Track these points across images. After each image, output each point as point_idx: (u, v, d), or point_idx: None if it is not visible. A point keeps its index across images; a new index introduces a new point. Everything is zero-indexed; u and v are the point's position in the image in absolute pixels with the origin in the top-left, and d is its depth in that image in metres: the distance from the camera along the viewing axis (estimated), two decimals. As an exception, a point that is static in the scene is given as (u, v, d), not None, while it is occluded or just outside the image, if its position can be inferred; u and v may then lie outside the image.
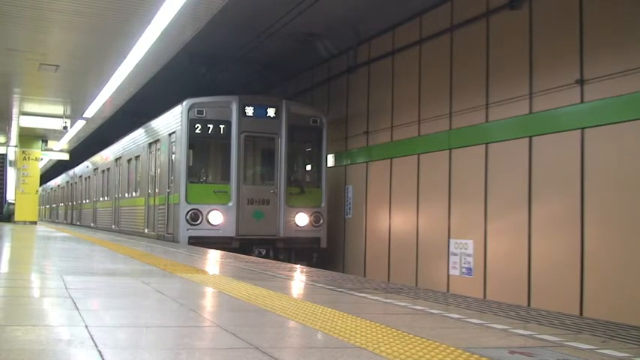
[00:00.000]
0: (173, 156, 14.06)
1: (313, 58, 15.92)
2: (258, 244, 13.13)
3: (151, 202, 15.79)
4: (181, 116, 13.33)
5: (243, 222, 13.11)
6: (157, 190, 15.35)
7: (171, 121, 14.19)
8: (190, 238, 12.88)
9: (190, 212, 12.98)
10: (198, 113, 13.19)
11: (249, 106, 13.39)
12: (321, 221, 13.76)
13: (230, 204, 13.09)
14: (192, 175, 13.44)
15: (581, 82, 8.73)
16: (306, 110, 14.24)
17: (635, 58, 8.01)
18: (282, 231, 13.34)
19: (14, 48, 12.01)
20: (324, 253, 13.94)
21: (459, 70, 11.44)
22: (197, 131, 13.25)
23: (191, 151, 13.42)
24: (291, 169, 14.08)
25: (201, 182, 13.51)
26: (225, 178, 13.39)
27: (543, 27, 9.58)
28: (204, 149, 14.13)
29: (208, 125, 13.32)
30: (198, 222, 12.98)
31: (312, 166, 14.83)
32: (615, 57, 8.30)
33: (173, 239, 13.41)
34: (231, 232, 13.01)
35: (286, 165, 13.58)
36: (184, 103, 13.27)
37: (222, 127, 13.31)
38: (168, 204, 14.11)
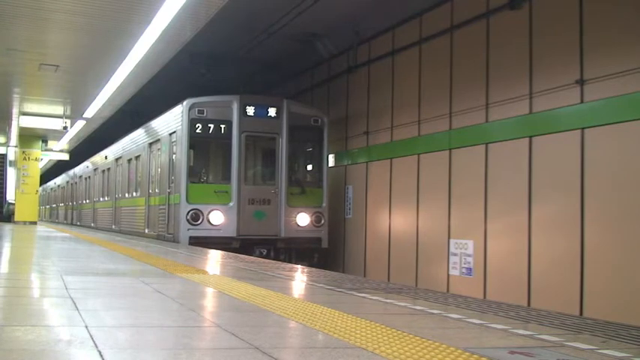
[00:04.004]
0: (173, 156, 14.05)
1: (313, 58, 15.92)
2: (258, 245, 13.11)
3: (152, 202, 15.78)
4: (182, 116, 13.32)
5: (243, 222, 13.10)
6: (157, 190, 15.35)
7: (172, 121, 14.18)
8: (191, 238, 12.87)
9: (191, 212, 12.97)
10: (198, 113, 13.18)
11: (249, 105, 13.37)
12: (322, 221, 13.75)
13: (231, 204, 13.09)
14: (193, 175, 13.43)
15: (581, 82, 8.73)
16: (306, 110, 14.23)
17: (635, 58, 8.01)
18: (283, 231, 13.33)
19: (14, 48, 12.01)
20: (325, 253, 13.93)
21: (459, 70, 11.44)
22: (198, 131, 13.24)
23: (192, 151, 13.43)
24: (292, 169, 14.07)
25: (202, 182, 13.50)
26: (226, 178, 13.38)
27: (543, 27, 9.57)
28: (205, 149, 14.12)
29: (209, 125, 13.31)
30: (199, 222, 12.97)
31: (313, 166, 14.82)
32: (615, 57, 8.30)
33: (173, 239, 13.40)
34: (231, 232, 13.00)
35: (287, 165, 13.57)
36: (185, 102, 13.27)
37: (222, 126, 13.30)
38: (168, 204, 14.10)
